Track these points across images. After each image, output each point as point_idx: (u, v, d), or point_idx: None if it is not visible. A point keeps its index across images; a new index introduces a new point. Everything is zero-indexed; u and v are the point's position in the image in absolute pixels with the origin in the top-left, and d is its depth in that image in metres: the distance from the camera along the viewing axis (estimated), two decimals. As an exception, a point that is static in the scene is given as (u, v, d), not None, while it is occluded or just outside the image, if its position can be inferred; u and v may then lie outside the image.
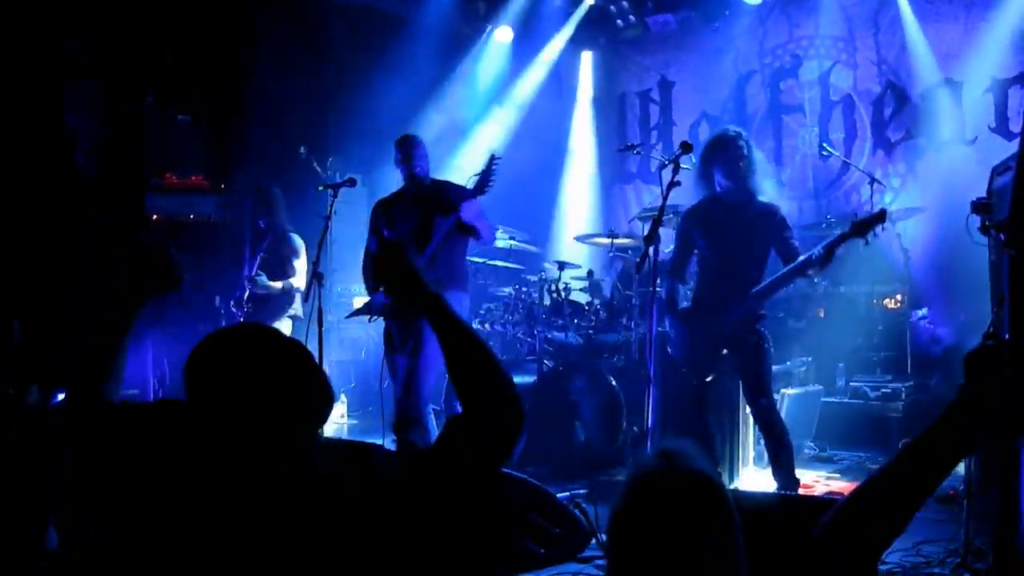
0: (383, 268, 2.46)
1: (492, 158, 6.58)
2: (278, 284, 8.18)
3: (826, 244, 5.79)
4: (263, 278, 8.14)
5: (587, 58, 12.35)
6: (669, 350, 6.49)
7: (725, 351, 6.22)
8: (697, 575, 1.91)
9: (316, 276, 7.00)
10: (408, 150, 6.92)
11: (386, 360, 6.82)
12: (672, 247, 6.79)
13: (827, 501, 4.08)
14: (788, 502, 4.31)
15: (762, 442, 7.24)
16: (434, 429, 6.43)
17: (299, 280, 8.14)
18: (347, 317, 7.18)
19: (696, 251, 6.48)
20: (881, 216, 5.71)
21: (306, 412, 2.24)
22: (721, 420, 6.73)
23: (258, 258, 8.20)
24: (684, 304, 6.56)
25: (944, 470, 2.06)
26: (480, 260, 8.82)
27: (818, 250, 5.78)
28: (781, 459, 6.08)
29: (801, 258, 5.91)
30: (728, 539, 1.96)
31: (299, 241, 8.24)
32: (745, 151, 6.19)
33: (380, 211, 7.07)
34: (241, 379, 2.18)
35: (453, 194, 6.70)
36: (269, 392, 2.17)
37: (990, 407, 2.04)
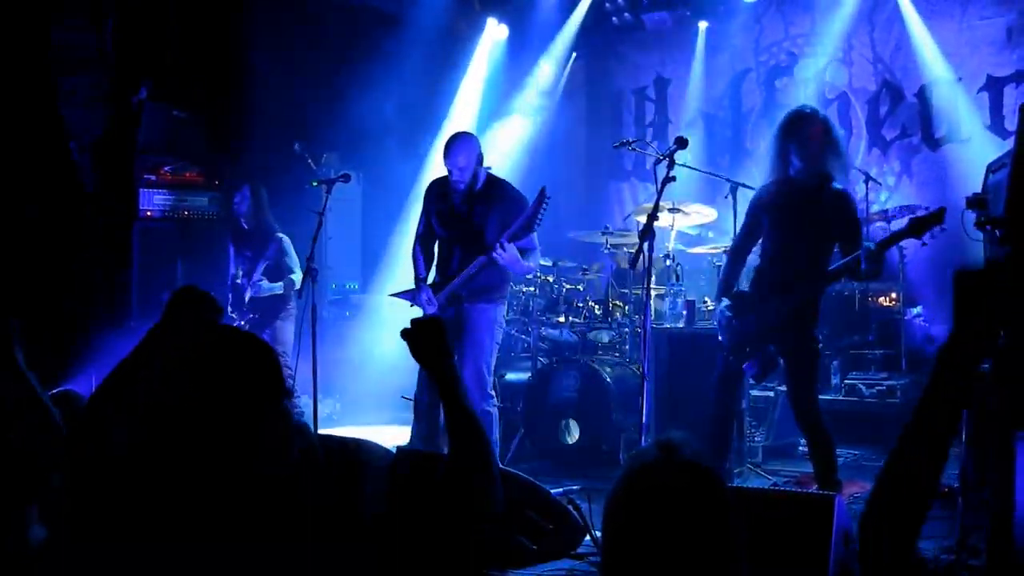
0: (419, 338, 2.62)
1: (542, 194, 6.21)
2: (279, 284, 8.20)
3: (880, 242, 5.53)
4: (265, 282, 8.14)
5: (580, 56, 12.32)
6: (720, 337, 6.20)
7: (772, 346, 5.95)
8: (693, 566, 1.90)
9: (309, 272, 6.98)
10: (447, 149, 6.46)
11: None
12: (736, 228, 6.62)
13: (825, 497, 4.07)
14: (786, 498, 4.30)
15: (755, 438, 7.29)
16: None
17: (298, 275, 8.11)
18: (392, 295, 7.03)
19: (762, 234, 6.19)
20: (939, 216, 5.41)
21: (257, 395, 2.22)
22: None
23: (261, 265, 8.19)
24: (739, 288, 6.37)
25: (952, 425, 2.05)
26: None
27: (869, 247, 5.47)
28: (822, 459, 5.95)
29: (854, 254, 5.57)
30: (725, 530, 1.95)
31: (287, 240, 8.22)
32: (824, 130, 5.89)
33: (433, 196, 6.70)
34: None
35: (499, 221, 6.34)
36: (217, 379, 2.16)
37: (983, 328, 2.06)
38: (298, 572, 2.06)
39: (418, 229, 6.79)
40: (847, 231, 5.83)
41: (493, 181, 6.58)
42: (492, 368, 6.54)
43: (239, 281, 8.30)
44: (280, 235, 8.31)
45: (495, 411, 6.52)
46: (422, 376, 6.44)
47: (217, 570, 2.00)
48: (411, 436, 6.49)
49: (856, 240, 5.76)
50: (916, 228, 5.42)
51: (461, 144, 6.43)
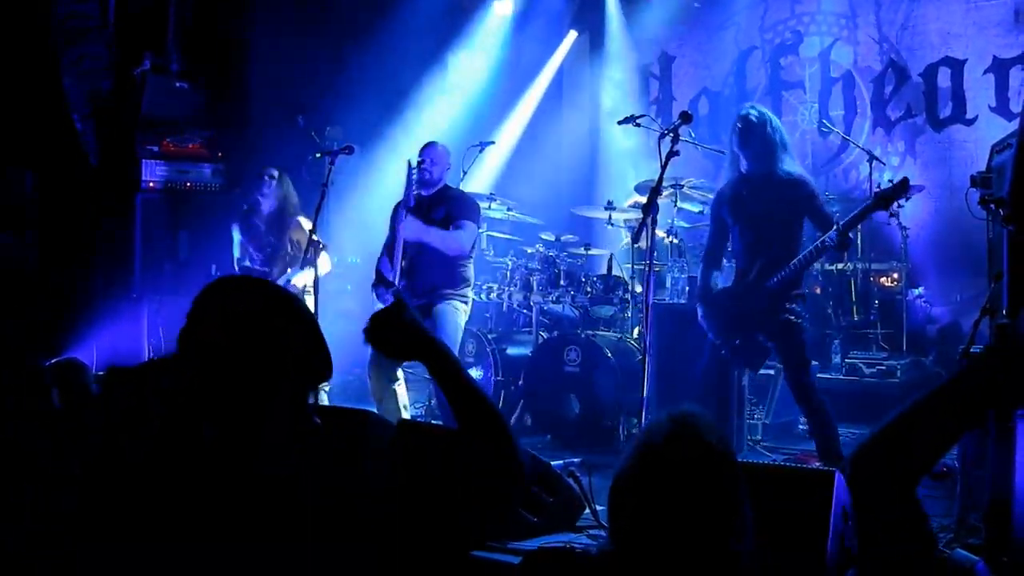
0: (384, 333, 2.41)
1: (408, 166, 6.84)
2: (308, 277, 7.88)
3: (847, 219, 5.76)
4: (294, 284, 7.88)
5: (585, 32, 12.29)
6: (709, 335, 6.44)
7: (760, 334, 6.21)
8: (701, 538, 1.91)
9: (312, 243, 6.97)
10: (425, 147, 7.09)
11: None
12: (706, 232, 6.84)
13: (824, 472, 4.09)
14: (786, 473, 4.31)
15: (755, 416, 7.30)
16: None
17: (324, 264, 7.76)
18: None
19: (730, 233, 6.48)
20: (904, 185, 5.64)
21: (300, 372, 2.18)
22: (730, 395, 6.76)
23: (300, 268, 7.91)
24: (718, 288, 6.58)
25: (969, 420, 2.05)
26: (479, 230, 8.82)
27: (837, 228, 5.74)
28: (822, 434, 6.08)
29: (822, 238, 5.86)
30: (734, 505, 1.96)
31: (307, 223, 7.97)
32: (758, 129, 6.12)
33: (396, 210, 7.12)
34: (233, 329, 2.12)
35: (446, 213, 6.89)
36: (261, 344, 2.12)
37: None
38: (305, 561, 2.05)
39: (385, 242, 7.18)
40: (810, 207, 6.12)
41: (446, 187, 7.15)
42: (456, 352, 6.80)
43: (247, 264, 8.14)
44: (302, 219, 8.04)
45: None
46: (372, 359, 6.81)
47: (221, 568, 1.99)
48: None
49: (821, 214, 6.07)
50: (882, 201, 5.69)
51: (427, 150, 7.08)
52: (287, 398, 2.11)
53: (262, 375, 2.08)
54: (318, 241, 7.07)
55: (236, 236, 8.16)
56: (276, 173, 8.06)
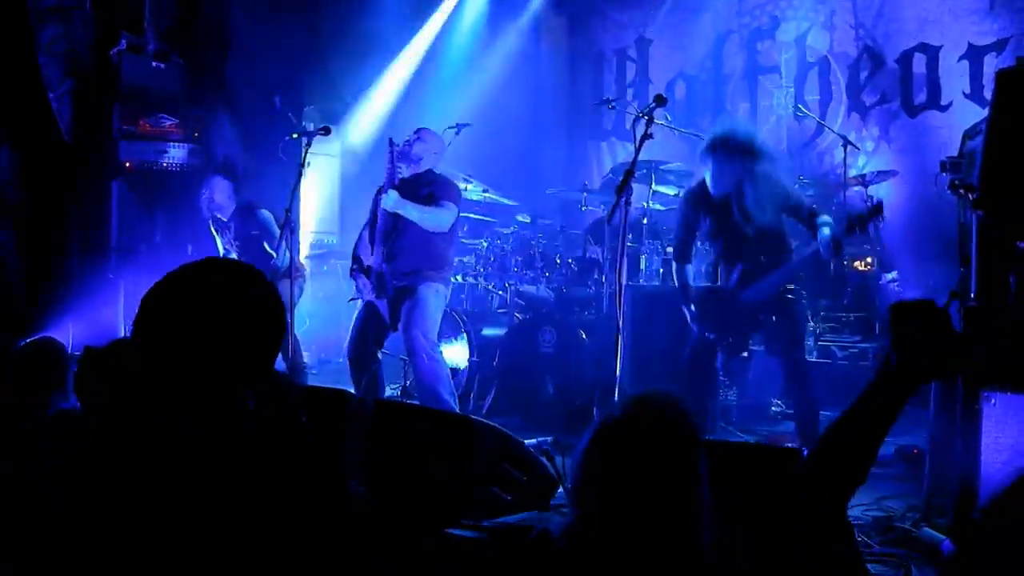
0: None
1: (389, 143, 6.73)
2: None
3: (823, 247, 5.83)
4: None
5: (562, 15, 12.31)
6: (695, 329, 6.45)
7: (754, 323, 6.26)
8: (660, 520, 1.96)
9: (287, 223, 6.96)
10: (419, 130, 6.98)
11: (357, 333, 6.80)
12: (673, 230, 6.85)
13: (791, 451, 4.13)
14: (755, 450, 4.36)
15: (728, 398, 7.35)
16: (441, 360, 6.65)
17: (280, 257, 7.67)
18: (350, 300, 7.12)
19: (698, 233, 6.48)
20: (878, 209, 5.76)
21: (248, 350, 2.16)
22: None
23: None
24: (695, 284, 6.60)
25: (886, 422, 2.09)
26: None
27: (818, 250, 5.87)
28: (808, 418, 6.10)
29: (803, 255, 6.05)
30: (687, 473, 2.01)
31: (270, 217, 7.93)
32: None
33: (377, 194, 7.01)
34: (178, 314, 2.13)
35: (426, 194, 6.74)
36: (204, 325, 2.11)
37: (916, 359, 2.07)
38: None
39: (364, 225, 7.08)
40: (786, 205, 6.13)
41: (430, 170, 6.93)
42: (436, 332, 6.77)
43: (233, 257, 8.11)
44: (263, 211, 8.00)
45: (441, 359, 6.68)
46: (355, 328, 6.78)
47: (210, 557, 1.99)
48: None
49: (799, 205, 6.11)
50: (858, 223, 5.77)
51: (429, 131, 6.97)
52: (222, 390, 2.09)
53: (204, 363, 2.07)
54: (293, 220, 7.04)
55: (217, 237, 8.14)
56: (214, 183, 8.08)
